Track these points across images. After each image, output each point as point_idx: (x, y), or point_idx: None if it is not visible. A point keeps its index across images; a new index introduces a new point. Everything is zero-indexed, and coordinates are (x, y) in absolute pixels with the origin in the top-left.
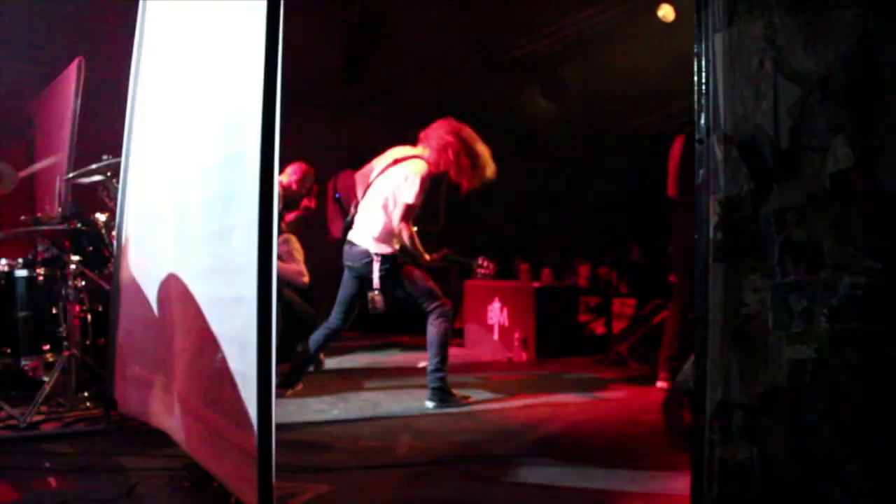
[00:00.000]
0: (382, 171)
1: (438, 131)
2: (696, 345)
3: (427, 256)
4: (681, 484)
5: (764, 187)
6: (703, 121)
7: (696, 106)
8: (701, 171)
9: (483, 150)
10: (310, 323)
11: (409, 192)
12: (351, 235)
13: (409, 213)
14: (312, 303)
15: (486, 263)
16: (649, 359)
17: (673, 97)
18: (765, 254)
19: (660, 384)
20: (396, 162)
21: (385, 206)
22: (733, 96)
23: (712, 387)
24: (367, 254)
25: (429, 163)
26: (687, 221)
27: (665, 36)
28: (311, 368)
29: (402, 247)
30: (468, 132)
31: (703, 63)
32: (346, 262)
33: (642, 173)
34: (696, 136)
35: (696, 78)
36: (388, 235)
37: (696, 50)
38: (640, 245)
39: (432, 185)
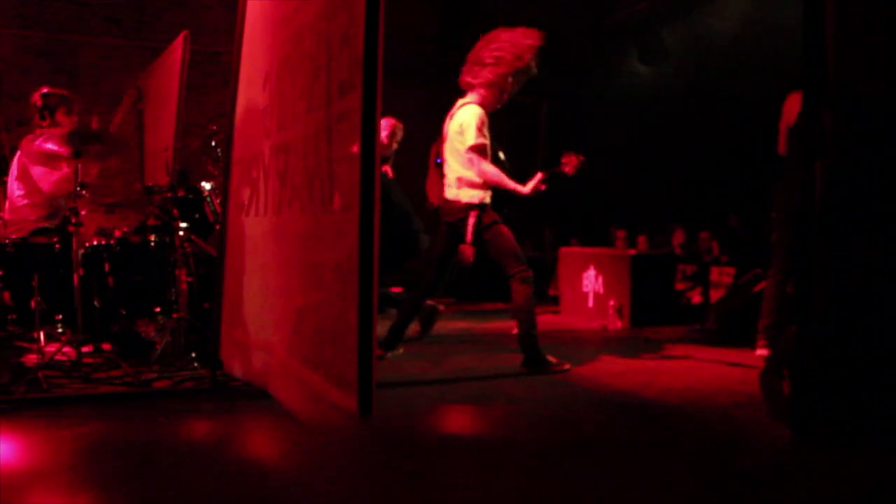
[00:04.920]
0: (445, 131)
1: (471, 69)
2: (798, 307)
3: (522, 189)
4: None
5: (872, 150)
6: (810, 84)
7: (803, 69)
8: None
9: (504, 35)
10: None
11: (468, 138)
12: (445, 194)
13: (481, 153)
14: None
15: (566, 160)
16: (747, 329)
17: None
18: (872, 216)
19: (759, 352)
20: (450, 118)
21: (457, 160)
22: (842, 59)
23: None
24: (463, 208)
25: (478, 103)
26: (794, 182)
27: None
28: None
29: (495, 190)
30: (480, 46)
31: (811, 24)
32: (444, 220)
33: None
34: (804, 100)
35: (803, 40)
36: (473, 183)
37: (804, 9)
38: (739, 213)
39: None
